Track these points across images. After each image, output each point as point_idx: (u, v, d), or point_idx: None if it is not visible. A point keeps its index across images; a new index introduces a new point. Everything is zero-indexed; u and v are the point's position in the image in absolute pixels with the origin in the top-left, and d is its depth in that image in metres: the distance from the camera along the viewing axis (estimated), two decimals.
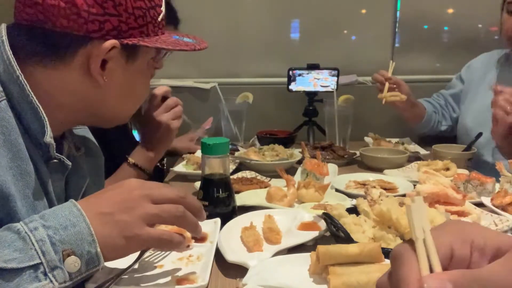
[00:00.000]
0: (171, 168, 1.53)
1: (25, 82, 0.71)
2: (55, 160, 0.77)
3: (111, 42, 0.74)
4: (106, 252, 0.62)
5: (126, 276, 0.74)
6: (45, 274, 0.57)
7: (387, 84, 1.74)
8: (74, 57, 0.74)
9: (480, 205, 1.10)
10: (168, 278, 0.75)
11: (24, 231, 0.59)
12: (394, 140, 1.95)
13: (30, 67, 0.73)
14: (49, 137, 0.73)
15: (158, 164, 1.45)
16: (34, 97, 0.71)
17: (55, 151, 0.76)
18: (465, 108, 1.89)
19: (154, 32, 0.80)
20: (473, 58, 1.97)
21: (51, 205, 0.76)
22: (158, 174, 1.51)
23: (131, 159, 1.26)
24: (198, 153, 1.55)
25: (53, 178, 0.78)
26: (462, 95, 1.93)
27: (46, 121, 0.72)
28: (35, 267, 0.56)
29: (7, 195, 0.66)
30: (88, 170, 0.93)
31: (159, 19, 0.81)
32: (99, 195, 0.68)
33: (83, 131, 0.97)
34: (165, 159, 1.65)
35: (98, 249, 0.61)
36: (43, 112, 0.72)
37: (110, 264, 0.78)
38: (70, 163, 0.80)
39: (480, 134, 1.66)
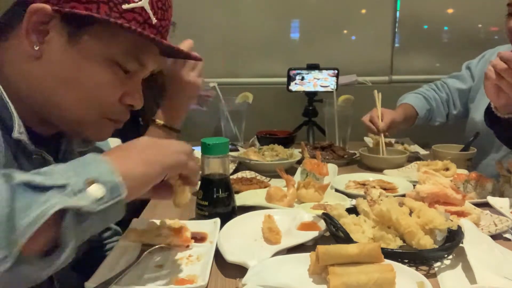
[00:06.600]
0: None
1: None
2: (36, 156, 0.75)
3: (38, 5, 0.68)
4: (128, 181, 0.61)
5: (126, 276, 0.74)
6: (72, 195, 0.55)
7: (382, 139, 1.67)
8: (18, 24, 0.71)
9: (480, 205, 1.10)
10: (168, 278, 0.75)
11: (44, 169, 0.58)
12: (393, 140, 1.95)
13: None
14: (17, 133, 0.71)
15: None
16: (3, 91, 0.70)
17: (33, 146, 0.74)
18: (474, 107, 1.79)
19: (110, 16, 0.71)
20: (476, 56, 1.88)
21: None
22: None
23: (159, 121, 1.22)
24: (198, 153, 1.55)
25: None
26: (471, 93, 1.84)
27: (14, 116, 0.70)
28: (61, 187, 0.55)
29: None
30: None
31: (125, 6, 0.71)
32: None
33: None
34: None
35: (120, 178, 0.60)
36: (11, 107, 0.70)
37: (110, 264, 0.78)
38: (51, 158, 0.78)
39: (477, 134, 1.65)
